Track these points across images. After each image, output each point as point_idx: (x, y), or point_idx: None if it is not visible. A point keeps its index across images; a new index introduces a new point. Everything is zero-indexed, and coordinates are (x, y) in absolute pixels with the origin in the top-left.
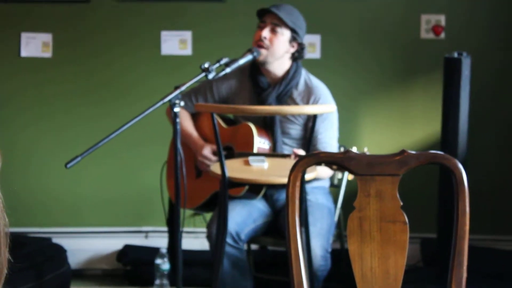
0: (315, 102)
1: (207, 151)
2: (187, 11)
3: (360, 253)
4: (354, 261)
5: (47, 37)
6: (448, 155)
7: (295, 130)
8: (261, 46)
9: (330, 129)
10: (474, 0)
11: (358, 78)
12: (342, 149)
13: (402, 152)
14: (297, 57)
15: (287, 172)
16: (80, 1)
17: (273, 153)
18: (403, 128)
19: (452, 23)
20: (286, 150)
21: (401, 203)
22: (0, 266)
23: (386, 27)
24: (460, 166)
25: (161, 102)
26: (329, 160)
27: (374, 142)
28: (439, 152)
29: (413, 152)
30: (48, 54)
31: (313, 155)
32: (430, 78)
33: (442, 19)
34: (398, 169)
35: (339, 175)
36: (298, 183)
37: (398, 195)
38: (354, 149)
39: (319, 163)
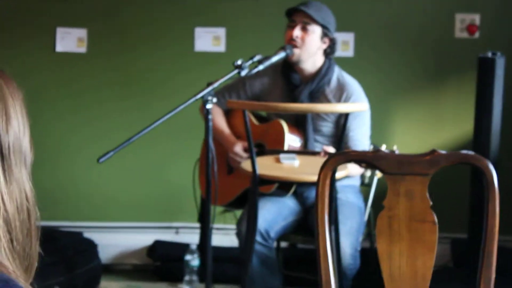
0: (347, 99)
1: (239, 148)
2: (221, 8)
3: (389, 252)
4: (383, 260)
5: (82, 32)
6: (479, 156)
7: (327, 127)
8: (294, 46)
9: (362, 126)
10: (509, 0)
11: (390, 76)
12: (372, 148)
13: (433, 151)
14: (329, 52)
15: (318, 170)
16: None
17: (303, 150)
18: (435, 128)
19: (487, 22)
20: (318, 147)
21: (431, 203)
22: (31, 260)
23: (420, 26)
24: (491, 167)
25: (194, 99)
26: (359, 158)
27: (405, 141)
28: (469, 152)
29: (443, 152)
30: (83, 49)
31: (343, 154)
32: (463, 78)
33: (476, 18)
34: (428, 169)
35: (368, 173)
36: (328, 181)
37: (428, 195)
38: (384, 148)
39: (349, 161)
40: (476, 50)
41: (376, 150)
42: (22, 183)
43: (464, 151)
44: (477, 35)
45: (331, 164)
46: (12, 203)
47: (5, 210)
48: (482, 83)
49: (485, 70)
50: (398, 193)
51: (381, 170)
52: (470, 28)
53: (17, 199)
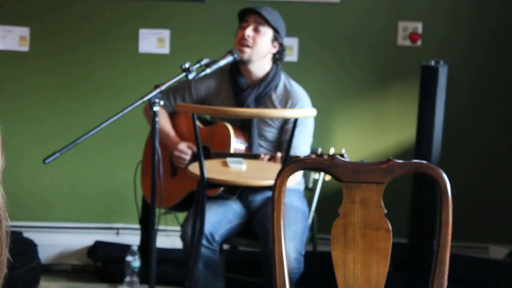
0: (293, 106)
1: (183, 145)
2: (165, 9)
3: (344, 259)
4: (337, 266)
5: (25, 31)
6: (432, 165)
7: (271, 133)
8: (245, 45)
9: (303, 133)
10: (452, 9)
11: (334, 82)
12: (319, 151)
13: (388, 160)
14: (277, 58)
15: (265, 175)
16: None
17: (248, 153)
18: (378, 133)
19: (429, 30)
20: (261, 152)
21: (386, 211)
22: (1, 266)
23: (363, 32)
24: (445, 176)
25: (141, 101)
26: (315, 166)
27: (350, 145)
28: (423, 161)
29: (399, 161)
30: (25, 48)
31: (300, 161)
32: (406, 85)
33: (419, 26)
34: (384, 177)
35: (316, 175)
36: (284, 188)
37: (382, 203)
38: (332, 150)
39: (305, 169)
40: (418, 58)
41: (332, 157)
42: None
43: (418, 160)
44: (419, 43)
45: (287, 171)
46: None
47: None
48: (425, 91)
49: (428, 78)
50: (353, 201)
51: (337, 178)
52: (413, 36)
53: None
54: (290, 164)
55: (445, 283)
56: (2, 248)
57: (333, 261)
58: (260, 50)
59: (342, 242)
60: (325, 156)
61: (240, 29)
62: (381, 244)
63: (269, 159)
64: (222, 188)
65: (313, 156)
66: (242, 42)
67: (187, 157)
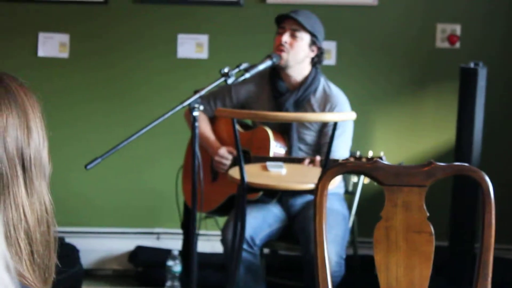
0: (331, 109)
1: (223, 150)
2: (203, 15)
3: (386, 262)
4: (380, 270)
5: (65, 38)
6: (474, 168)
7: (310, 136)
8: (282, 51)
9: (342, 136)
10: (490, 10)
11: (372, 85)
12: (358, 154)
13: (430, 163)
14: (316, 61)
15: (305, 178)
16: (97, 2)
17: (288, 157)
18: (417, 135)
19: (468, 32)
20: (301, 155)
21: (428, 214)
22: (50, 272)
23: (401, 35)
24: (487, 178)
25: (181, 106)
26: (357, 169)
27: (388, 148)
28: (465, 164)
29: (441, 163)
30: (65, 54)
31: (341, 165)
32: (444, 87)
33: (457, 28)
34: (425, 180)
35: (355, 179)
36: (325, 192)
37: (424, 206)
38: (371, 153)
39: (346, 173)
40: (457, 60)
41: (374, 161)
42: (42, 195)
43: (460, 163)
44: (458, 45)
45: (329, 175)
46: (33, 215)
47: (26, 222)
48: (464, 93)
49: (467, 80)
50: (395, 204)
51: (379, 181)
52: (451, 38)
53: (37, 212)
54: (331, 168)
55: (489, 286)
56: (51, 254)
57: (376, 264)
58: (298, 55)
59: (384, 246)
60: (364, 159)
61: (278, 35)
62: (424, 248)
63: (309, 163)
64: (261, 192)
65: (352, 159)
66: (279, 48)
67: (228, 162)
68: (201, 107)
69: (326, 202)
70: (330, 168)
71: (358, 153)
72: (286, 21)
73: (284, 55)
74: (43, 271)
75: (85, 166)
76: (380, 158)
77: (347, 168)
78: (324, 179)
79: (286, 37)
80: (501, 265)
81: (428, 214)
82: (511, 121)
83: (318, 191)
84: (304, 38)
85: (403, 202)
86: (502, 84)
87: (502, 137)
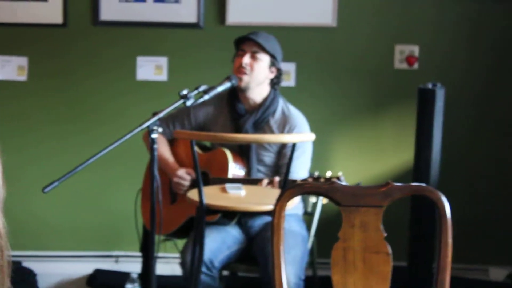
0: (290, 130)
1: (182, 171)
2: (163, 37)
3: (344, 283)
4: None
5: (23, 61)
6: (431, 188)
7: (269, 157)
8: (242, 73)
9: (301, 157)
10: (448, 32)
11: (332, 106)
12: (316, 174)
13: (387, 183)
14: (275, 82)
15: (264, 200)
16: (56, 25)
17: (247, 178)
18: (376, 156)
19: (426, 53)
20: (260, 177)
21: (385, 234)
22: None
23: (360, 56)
24: (444, 198)
25: (139, 128)
26: (314, 190)
27: (347, 168)
28: (422, 184)
29: (398, 184)
30: (23, 77)
31: (299, 186)
32: (403, 108)
33: (415, 49)
34: (383, 201)
35: (313, 199)
36: (283, 213)
37: (382, 226)
38: (329, 174)
39: (304, 194)
40: (415, 81)
41: (331, 182)
42: None
43: (417, 183)
44: (416, 66)
45: (287, 196)
46: None
47: None
48: (423, 114)
49: (425, 101)
50: (353, 225)
51: (336, 202)
52: (410, 59)
53: None
54: (289, 189)
55: None
56: (4, 278)
57: (333, 285)
58: (258, 77)
59: (342, 266)
60: (322, 180)
61: (238, 57)
62: (381, 268)
63: (268, 184)
64: (220, 214)
65: (310, 179)
66: (240, 70)
67: (186, 183)
68: (160, 129)
69: (284, 223)
70: (288, 189)
71: (316, 174)
72: (246, 43)
73: (245, 77)
74: None
75: (43, 189)
76: (339, 178)
77: (305, 189)
78: (282, 200)
79: (246, 59)
80: (459, 285)
81: (385, 234)
82: (469, 142)
83: (276, 212)
84: (264, 59)
85: (360, 223)
86: (460, 104)
87: (460, 157)
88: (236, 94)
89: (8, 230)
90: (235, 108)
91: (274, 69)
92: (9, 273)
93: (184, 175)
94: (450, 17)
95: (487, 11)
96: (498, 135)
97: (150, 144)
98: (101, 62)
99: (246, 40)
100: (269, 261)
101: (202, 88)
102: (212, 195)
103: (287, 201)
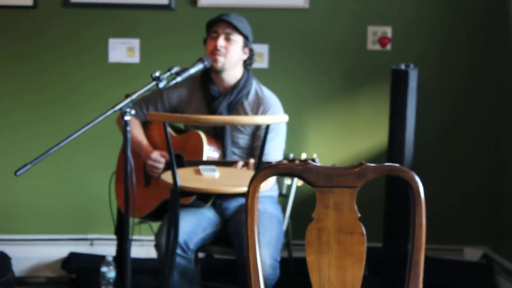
0: (264, 112)
1: (156, 153)
2: (135, 19)
3: (318, 264)
4: (312, 271)
5: None
6: (405, 168)
7: (243, 139)
8: (218, 55)
9: (275, 139)
10: (420, 12)
11: (305, 87)
12: (291, 156)
13: (360, 164)
14: (248, 63)
15: (238, 182)
16: (26, 7)
17: (222, 160)
18: (350, 137)
19: (399, 34)
20: (234, 159)
21: (359, 215)
22: None
23: (333, 38)
24: (417, 178)
25: (112, 110)
26: (288, 171)
27: (322, 150)
28: (396, 164)
29: (371, 164)
30: None
31: (272, 167)
32: (377, 89)
33: (388, 30)
34: (356, 181)
35: (288, 181)
36: (257, 194)
37: (356, 207)
38: (304, 156)
39: (277, 175)
40: (388, 62)
41: (305, 163)
42: None
43: (390, 164)
44: (389, 47)
45: (260, 177)
46: None
47: None
48: (396, 95)
49: (398, 82)
50: (327, 206)
51: (310, 183)
52: (382, 41)
53: None
54: (262, 170)
55: (420, 286)
56: None
57: (308, 266)
58: (233, 59)
59: (316, 247)
60: (297, 161)
61: (211, 39)
62: (356, 248)
63: (243, 166)
64: (195, 197)
65: (285, 161)
66: (214, 53)
67: (161, 165)
68: (133, 112)
69: (258, 204)
70: (260, 170)
71: (291, 156)
72: (219, 24)
73: (220, 59)
74: None
75: (15, 173)
76: (313, 160)
77: (278, 170)
78: (255, 181)
79: (221, 41)
80: (434, 265)
81: (359, 215)
82: (443, 122)
83: (250, 193)
84: (238, 41)
85: (334, 203)
86: (433, 85)
87: (434, 137)
88: (209, 76)
89: None
90: (208, 90)
91: (247, 50)
92: None
93: (158, 158)
94: None
95: None
96: (472, 117)
97: (123, 126)
98: (72, 45)
99: (219, 22)
100: (244, 243)
101: (175, 70)
102: (186, 177)
103: (261, 182)
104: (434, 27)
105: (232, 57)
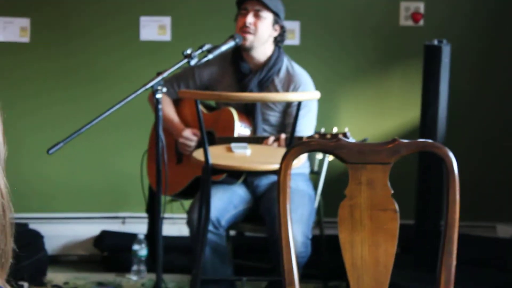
0: (295, 89)
1: (188, 132)
2: None
3: (351, 241)
4: (345, 249)
5: (25, 22)
6: (439, 144)
7: (274, 117)
8: (247, 32)
9: (306, 115)
10: None
11: (337, 64)
12: (322, 130)
13: (394, 140)
14: (279, 40)
15: (270, 159)
16: None
17: (253, 136)
18: (381, 113)
19: (431, 10)
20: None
21: (392, 191)
22: (6, 257)
23: (365, 13)
24: (451, 154)
25: (143, 88)
26: (320, 148)
27: (353, 126)
28: (429, 140)
29: (405, 140)
30: (26, 39)
31: (305, 143)
32: (409, 65)
33: (421, 6)
34: (389, 157)
35: (320, 156)
36: (289, 171)
37: (389, 183)
38: (335, 130)
39: (310, 151)
40: (421, 38)
41: (337, 139)
42: None
43: (424, 140)
44: (421, 23)
45: (292, 154)
46: None
47: None
48: (429, 71)
49: (431, 58)
50: (359, 182)
51: (342, 160)
52: (415, 16)
53: None
54: (294, 147)
55: (454, 262)
56: (7, 239)
57: (340, 243)
58: (262, 36)
59: (349, 224)
60: (328, 136)
61: (241, 16)
62: (389, 225)
63: (274, 141)
64: (226, 174)
65: (316, 136)
66: (244, 30)
67: (192, 143)
68: (164, 89)
69: (290, 182)
70: (293, 146)
71: (322, 130)
72: (249, 1)
73: (249, 36)
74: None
75: (47, 151)
76: (345, 134)
77: (311, 146)
78: (287, 158)
79: (250, 18)
80: (466, 242)
81: (392, 191)
82: (476, 97)
83: (282, 170)
84: (267, 17)
85: (367, 180)
86: (466, 61)
87: (467, 113)
88: (240, 54)
89: (10, 190)
90: (239, 68)
91: (277, 27)
92: (12, 233)
93: (190, 136)
94: None
95: None
96: (503, 90)
97: (155, 104)
98: (105, 25)
99: None
100: (276, 220)
101: (206, 47)
102: (217, 155)
103: (293, 159)
104: (467, 1)
105: (261, 34)
